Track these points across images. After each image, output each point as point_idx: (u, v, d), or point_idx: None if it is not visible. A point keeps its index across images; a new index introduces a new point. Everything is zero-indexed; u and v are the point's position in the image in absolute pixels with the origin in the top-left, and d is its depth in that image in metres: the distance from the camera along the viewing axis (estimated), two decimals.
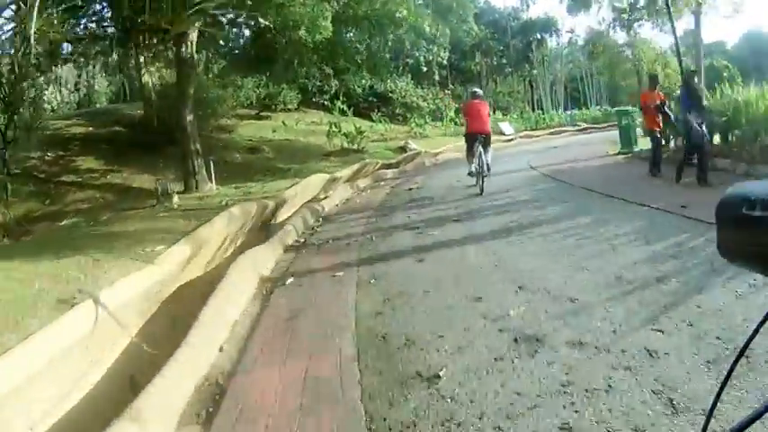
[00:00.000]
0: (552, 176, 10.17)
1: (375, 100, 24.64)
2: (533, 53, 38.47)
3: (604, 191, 7.56)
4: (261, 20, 11.29)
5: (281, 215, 7.69)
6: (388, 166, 14.00)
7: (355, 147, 15.59)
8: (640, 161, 10.30)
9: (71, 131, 13.55)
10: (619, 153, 12.30)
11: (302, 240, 6.66)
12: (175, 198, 8.18)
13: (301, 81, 22.91)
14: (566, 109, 37.47)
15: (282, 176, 11.42)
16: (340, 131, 15.65)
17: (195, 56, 11.11)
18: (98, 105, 21.28)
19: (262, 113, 20.53)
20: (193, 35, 10.21)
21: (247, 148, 15.25)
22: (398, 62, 30.68)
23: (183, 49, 9.94)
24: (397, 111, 24.53)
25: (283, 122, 17.86)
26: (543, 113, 32.89)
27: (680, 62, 12.18)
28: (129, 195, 10.08)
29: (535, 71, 39.47)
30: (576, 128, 29.60)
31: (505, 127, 25.88)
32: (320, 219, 8.08)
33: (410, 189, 10.51)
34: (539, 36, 39.29)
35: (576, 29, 59.46)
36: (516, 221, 6.29)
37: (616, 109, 12.78)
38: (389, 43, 19.64)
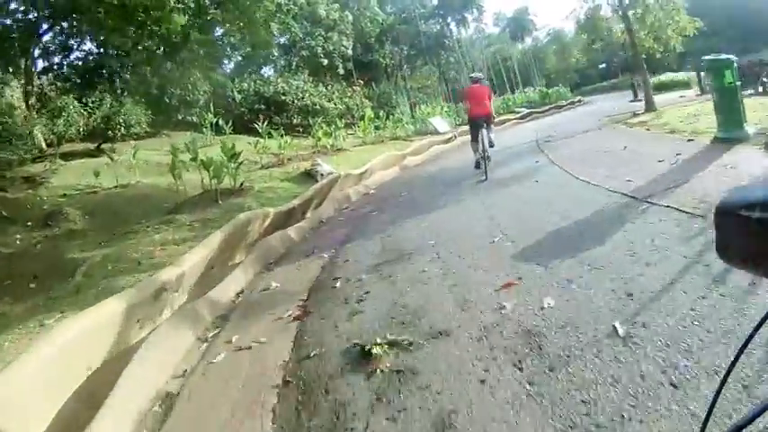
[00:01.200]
0: None
1: (263, 107, 18.19)
2: (450, 38, 33.44)
3: None
4: None
5: None
6: (287, 218, 7.40)
7: (230, 185, 9.13)
8: None
9: None
10: (717, 139, 6.89)
11: None
12: None
13: (154, 91, 16.12)
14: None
15: (49, 301, 4.91)
16: (196, 161, 9.11)
17: None
18: None
19: (102, 146, 13.62)
20: None
21: (44, 216, 8.40)
22: (291, 57, 24.48)
23: None
24: (295, 118, 18.24)
25: (110, 158, 11.12)
26: None
27: None
28: None
29: (453, 58, 34.52)
30: (517, 114, 24.81)
31: (438, 123, 20.35)
32: None
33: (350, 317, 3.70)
34: (458, 16, 34.10)
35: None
36: None
37: (709, 57, 6.91)
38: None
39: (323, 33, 22.08)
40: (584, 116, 18.91)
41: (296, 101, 18.93)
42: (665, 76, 28.53)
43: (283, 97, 18.95)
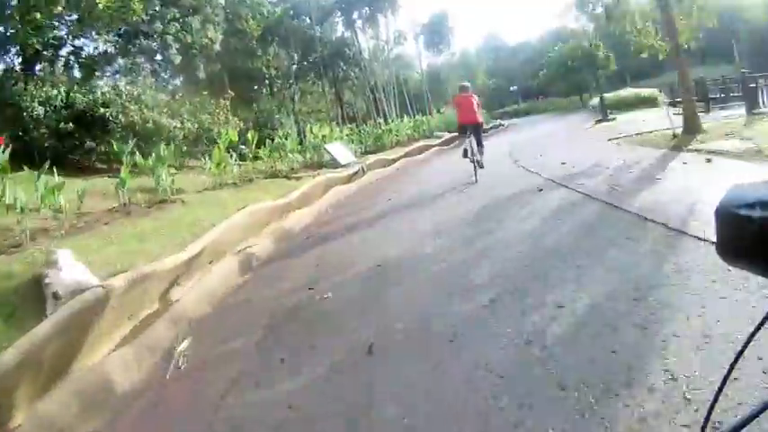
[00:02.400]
0: None
1: (71, 126, 11.14)
2: (353, 45, 27.83)
3: None
4: None
5: None
6: None
7: None
8: None
9: None
10: None
11: None
12: None
13: None
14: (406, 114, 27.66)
15: None
16: None
17: None
18: None
19: None
20: None
21: None
22: (132, 51, 17.42)
23: None
24: (116, 143, 11.29)
25: None
26: (387, 123, 22.28)
27: None
28: None
29: (354, 73, 29.00)
30: (439, 140, 19.80)
31: (337, 151, 14.48)
32: None
33: None
34: (366, 11, 27.63)
35: None
36: None
37: None
38: None
39: (177, 16, 15.38)
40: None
41: (119, 115, 12.10)
42: (625, 91, 25.12)
43: (104, 110, 12.03)
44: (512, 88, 43.26)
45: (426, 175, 13.00)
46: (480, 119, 10.03)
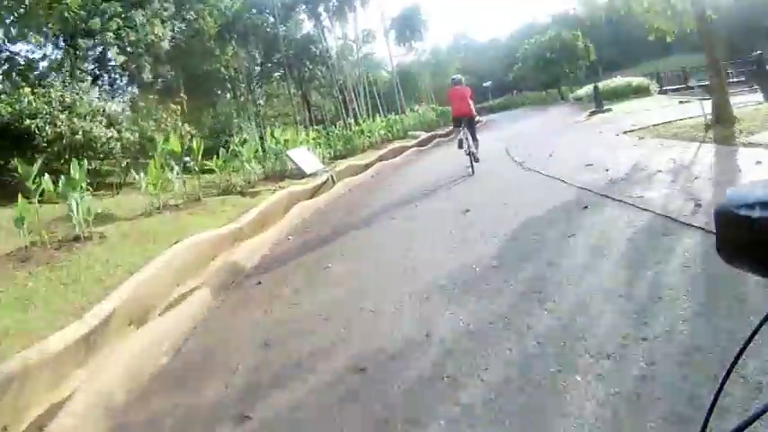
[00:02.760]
0: None
1: None
2: (322, 42, 26.20)
3: None
4: None
5: None
6: None
7: None
8: None
9: None
10: None
11: None
12: None
13: None
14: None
15: None
16: None
17: None
18: None
19: None
20: None
21: None
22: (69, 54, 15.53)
23: None
24: (21, 163, 9.51)
25: None
26: (357, 124, 20.73)
27: None
28: None
29: (321, 72, 27.41)
30: (415, 140, 18.49)
31: (302, 158, 12.93)
32: None
33: None
34: (334, 3, 25.61)
35: None
36: None
37: None
38: None
39: (119, 11, 13.69)
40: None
41: (46, 126, 10.37)
42: (615, 80, 24.03)
43: (29, 121, 10.28)
44: (485, 84, 42.24)
45: (408, 180, 11.58)
46: (474, 112, 10.16)
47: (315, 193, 10.80)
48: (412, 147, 18.08)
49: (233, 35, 21.40)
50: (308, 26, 26.84)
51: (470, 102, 9.92)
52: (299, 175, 12.12)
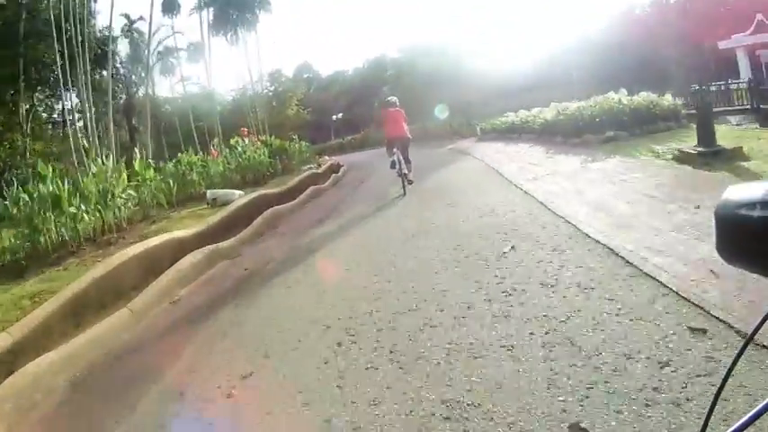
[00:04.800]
0: None
1: None
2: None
3: None
4: None
5: None
6: None
7: None
8: None
9: None
10: None
11: None
12: None
13: None
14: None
15: None
16: None
17: None
18: None
19: None
20: None
21: None
22: None
23: None
24: None
25: None
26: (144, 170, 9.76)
27: None
28: None
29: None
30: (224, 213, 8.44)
31: None
32: None
33: None
34: None
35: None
36: None
37: None
38: None
39: None
40: None
41: None
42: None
43: None
44: (334, 117, 34.31)
45: None
46: (408, 134, 9.99)
47: None
48: (205, 244, 6.91)
49: None
50: None
51: (404, 124, 9.79)
52: None
